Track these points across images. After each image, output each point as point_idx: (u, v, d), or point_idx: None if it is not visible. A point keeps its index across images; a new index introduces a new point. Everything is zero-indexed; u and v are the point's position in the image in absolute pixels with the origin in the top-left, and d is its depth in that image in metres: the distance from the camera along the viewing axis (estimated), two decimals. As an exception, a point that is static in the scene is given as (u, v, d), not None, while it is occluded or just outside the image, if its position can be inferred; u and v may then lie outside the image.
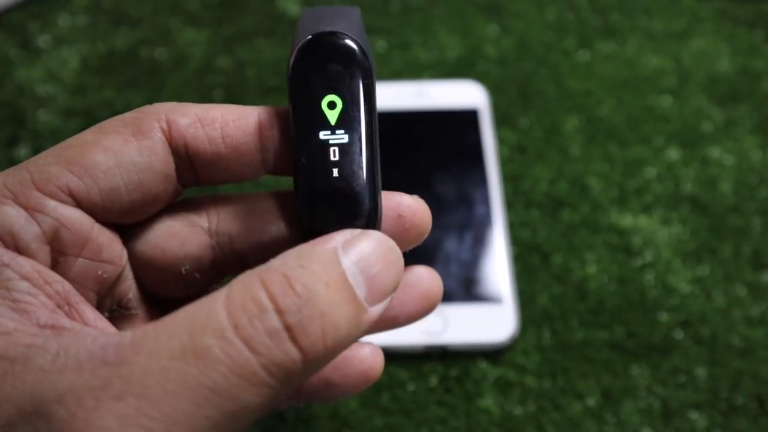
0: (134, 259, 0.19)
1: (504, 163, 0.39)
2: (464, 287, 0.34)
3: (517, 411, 0.31)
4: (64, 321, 0.15)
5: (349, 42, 0.18)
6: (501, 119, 0.41)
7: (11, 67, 0.44)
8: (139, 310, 0.20)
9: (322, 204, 0.17)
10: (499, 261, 0.35)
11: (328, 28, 0.18)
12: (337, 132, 0.17)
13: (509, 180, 0.39)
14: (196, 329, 0.14)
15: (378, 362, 0.20)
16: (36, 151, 0.40)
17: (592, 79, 0.43)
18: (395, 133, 0.40)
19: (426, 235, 0.20)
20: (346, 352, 0.20)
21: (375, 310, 0.16)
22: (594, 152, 0.40)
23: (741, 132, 0.41)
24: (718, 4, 0.47)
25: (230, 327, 0.14)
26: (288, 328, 0.14)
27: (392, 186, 0.37)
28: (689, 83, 0.43)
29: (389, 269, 0.16)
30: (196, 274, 0.20)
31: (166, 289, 0.20)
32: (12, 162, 0.39)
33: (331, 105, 0.17)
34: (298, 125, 0.18)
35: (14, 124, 0.41)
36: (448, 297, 0.33)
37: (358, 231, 0.16)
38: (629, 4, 0.48)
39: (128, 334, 0.14)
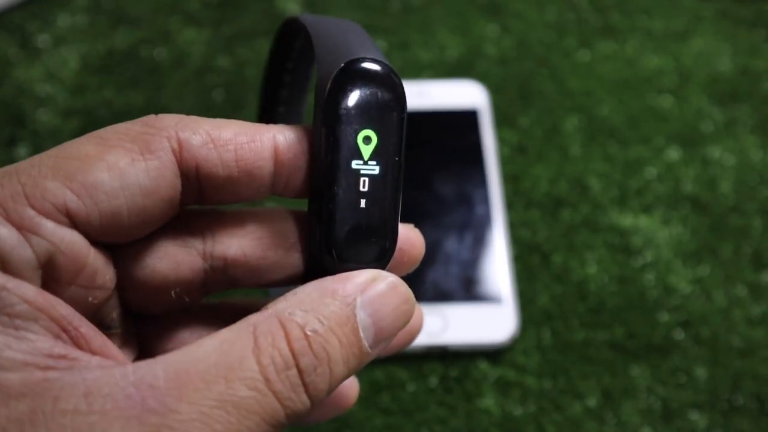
0: (123, 280, 0.18)
1: (504, 162, 0.39)
2: (464, 287, 0.34)
3: (518, 411, 0.31)
4: (73, 351, 0.15)
5: (388, 72, 0.17)
6: (501, 119, 0.41)
7: (11, 67, 0.44)
8: (120, 329, 0.19)
9: (346, 234, 0.17)
10: (499, 261, 0.35)
11: (362, 53, 0.17)
12: (370, 163, 0.17)
13: (509, 180, 0.39)
14: (232, 378, 0.14)
15: (353, 391, 0.21)
16: (36, 151, 0.40)
17: (592, 79, 0.43)
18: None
19: (418, 263, 0.20)
20: None
21: (375, 351, 0.17)
22: (594, 152, 0.40)
23: (741, 132, 0.41)
24: (719, 4, 0.47)
25: (262, 380, 0.15)
26: (304, 384, 0.15)
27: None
28: (689, 83, 0.43)
29: (399, 319, 0.17)
30: (185, 297, 0.19)
31: (150, 308, 0.19)
32: (12, 162, 0.39)
33: (367, 140, 0.17)
34: (332, 153, 0.17)
35: (14, 124, 0.41)
36: (448, 297, 0.33)
37: (377, 275, 0.17)
38: (629, 3, 0.48)
39: (157, 372, 0.14)
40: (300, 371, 0.15)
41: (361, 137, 0.17)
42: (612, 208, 0.37)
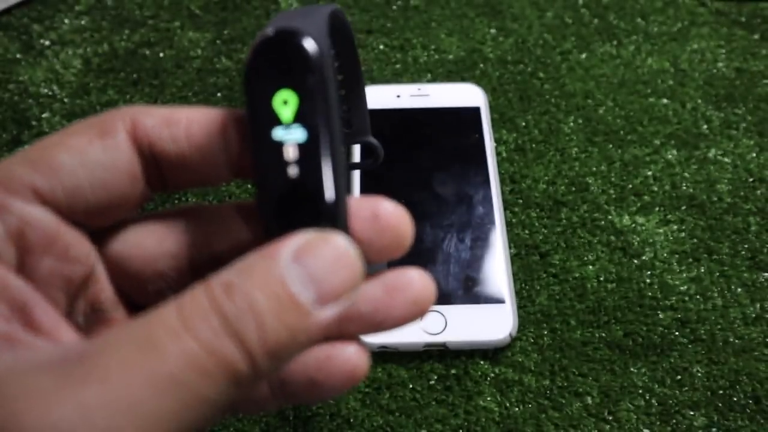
0: (110, 259, 0.19)
1: (503, 163, 0.40)
2: (464, 287, 0.34)
3: (517, 410, 0.31)
4: (19, 332, 0.15)
5: (303, 39, 0.17)
6: (500, 120, 0.42)
7: (14, 68, 0.44)
8: (115, 313, 0.20)
9: (280, 205, 0.17)
10: (498, 261, 0.35)
11: (284, 26, 0.17)
12: (292, 129, 0.17)
13: (508, 180, 0.39)
14: (152, 327, 0.14)
15: (363, 362, 0.20)
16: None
17: (590, 80, 0.44)
18: (394, 135, 0.40)
19: (407, 243, 0.19)
20: (331, 351, 0.20)
21: (327, 313, 0.16)
22: (592, 153, 0.40)
23: (738, 133, 0.41)
24: (716, 6, 0.48)
25: (181, 325, 0.14)
26: (229, 333, 0.15)
27: (391, 186, 0.38)
28: (687, 85, 0.43)
29: (341, 271, 0.16)
30: (173, 273, 0.19)
31: (144, 292, 0.20)
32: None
33: (285, 102, 0.17)
34: (253, 125, 0.17)
35: (17, 125, 0.41)
36: (447, 296, 0.34)
37: (312, 234, 0.16)
38: (627, 6, 0.48)
39: (87, 341, 0.14)
40: (222, 318, 0.14)
41: (279, 100, 0.17)
42: (610, 209, 0.38)
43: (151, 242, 0.19)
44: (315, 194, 0.17)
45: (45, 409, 0.13)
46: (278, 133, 0.17)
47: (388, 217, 0.19)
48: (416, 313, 0.20)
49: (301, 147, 0.17)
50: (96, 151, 0.18)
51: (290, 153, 0.17)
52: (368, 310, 0.19)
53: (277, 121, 0.17)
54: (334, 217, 0.17)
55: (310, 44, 0.17)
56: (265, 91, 0.17)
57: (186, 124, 0.18)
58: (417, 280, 0.19)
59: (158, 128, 0.18)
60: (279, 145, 0.17)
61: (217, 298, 0.15)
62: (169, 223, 0.20)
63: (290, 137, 0.17)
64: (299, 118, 0.17)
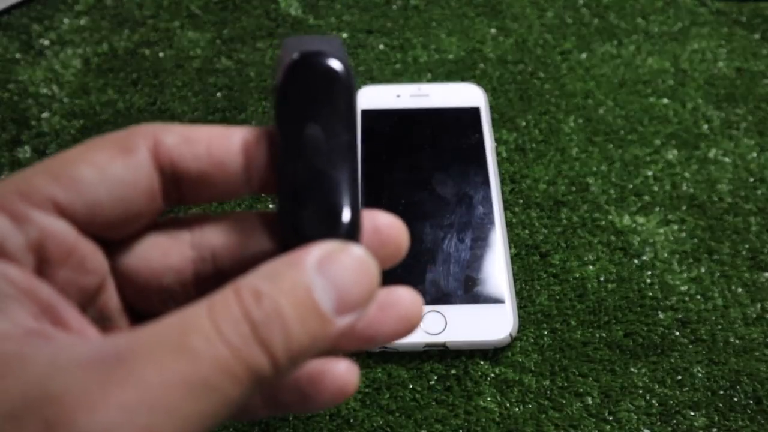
0: (118, 271, 0.20)
1: (503, 163, 0.40)
2: (464, 287, 0.34)
3: (517, 410, 0.31)
4: (49, 329, 0.16)
5: (334, 62, 0.18)
6: (500, 120, 0.42)
7: (14, 68, 0.44)
8: (120, 322, 0.20)
9: (304, 217, 0.18)
10: (498, 261, 0.35)
11: (309, 49, 0.18)
12: (322, 149, 0.18)
13: (508, 180, 0.39)
14: (185, 331, 0.15)
15: (353, 378, 0.21)
16: (38, 151, 0.40)
17: (590, 80, 0.44)
18: (394, 135, 0.40)
19: (404, 252, 0.20)
20: (323, 367, 0.21)
21: (343, 321, 0.17)
22: (593, 153, 0.40)
23: (738, 133, 0.41)
24: (716, 6, 0.48)
25: (213, 331, 0.15)
26: (258, 339, 0.15)
27: (392, 186, 0.38)
28: (687, 85, 0.43)
29: (361, 284, 0.17)
30: (177, 287, 0.20)
31: (149, 303, 0.21)
32: (15, 163, 0.40)
33: (317, 125, 0.18)
34: (284, 142, 0.18)
35: (17, 125, 0.41)
36: (447, 296, 0.34)
37: (336, 245, 0.17)
38: (627, 5, 0.48)
39: (121, 338, 0.15)
40: (251, 325, 0.15)
41: (311, 122, 0.18)
42: (610, 209, 0.38)
43: (156, 257, 0.20)
44: (337, 208, 0.18)
45: (92, 408, 0.14)
46: (308, 153, 0.18)
47: (389, 229, 0.20)
48: (406, 329, 0.21)
49: (327, 164, 0.18)
50: (117, 167, 0.18)
51: (318, 169, 0.18)
52: (361, 326, 0.20)
53: (306, 140, 0.18)
54: (352, 231, 0.18)
55: (337, 65, 0.18)
56: (296, 112, 0.18)
57: (207, 142, 0.19)
58: (406, 297, 0.21)
59: (179, 146, 0.19)
60: (307, 164, 0.18)
61: (247, 305, 0.16)
62: (175, 235, 0.20)
63: (318, 156, 0.18)
64: (326, 136, 0.18)
